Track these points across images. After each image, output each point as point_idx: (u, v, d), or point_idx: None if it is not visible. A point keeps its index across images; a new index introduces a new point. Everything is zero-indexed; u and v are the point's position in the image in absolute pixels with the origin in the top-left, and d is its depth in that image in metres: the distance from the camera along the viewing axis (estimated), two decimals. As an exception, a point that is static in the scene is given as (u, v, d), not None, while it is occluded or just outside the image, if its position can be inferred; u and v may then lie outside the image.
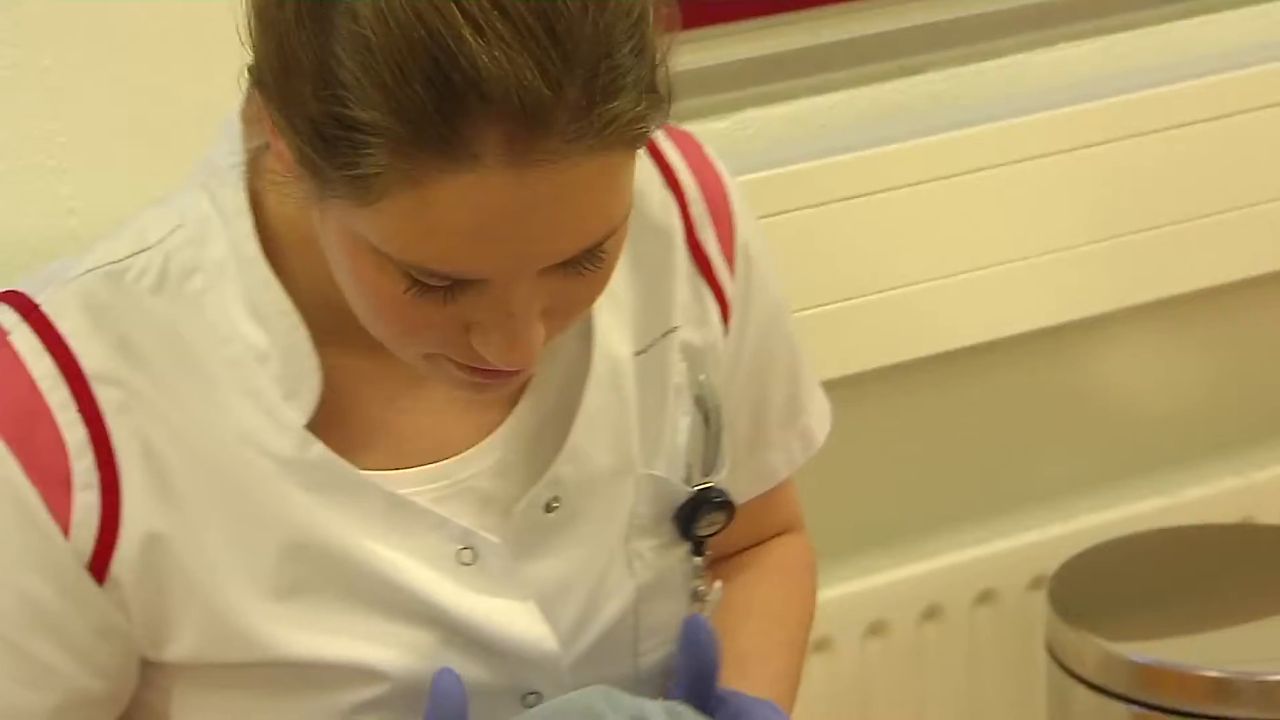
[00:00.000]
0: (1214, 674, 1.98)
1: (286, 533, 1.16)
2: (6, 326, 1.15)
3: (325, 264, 1.09)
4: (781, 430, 1.36)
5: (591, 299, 1.11)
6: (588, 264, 1.06)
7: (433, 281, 1.03)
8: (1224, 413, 2.33)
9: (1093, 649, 2.04)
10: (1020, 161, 2.10)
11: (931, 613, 2.19)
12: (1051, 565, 2.18)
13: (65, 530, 1.13)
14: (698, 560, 1.29)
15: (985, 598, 2.22)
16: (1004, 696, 2.24)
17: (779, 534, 1.42)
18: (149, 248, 1.16)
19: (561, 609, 1.23)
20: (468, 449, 1.20)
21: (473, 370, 1.09)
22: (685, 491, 1.27)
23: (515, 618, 1.20)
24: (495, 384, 1.11)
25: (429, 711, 1.11)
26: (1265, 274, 2.25)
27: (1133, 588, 2.13)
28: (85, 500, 1.13)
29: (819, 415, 1.39)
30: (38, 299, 1.15)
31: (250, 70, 1.06)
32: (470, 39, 0.96)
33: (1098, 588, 2.13)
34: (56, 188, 1.75)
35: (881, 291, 2.07)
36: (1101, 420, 2.28)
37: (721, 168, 1.30)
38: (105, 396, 1.14)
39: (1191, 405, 2.31)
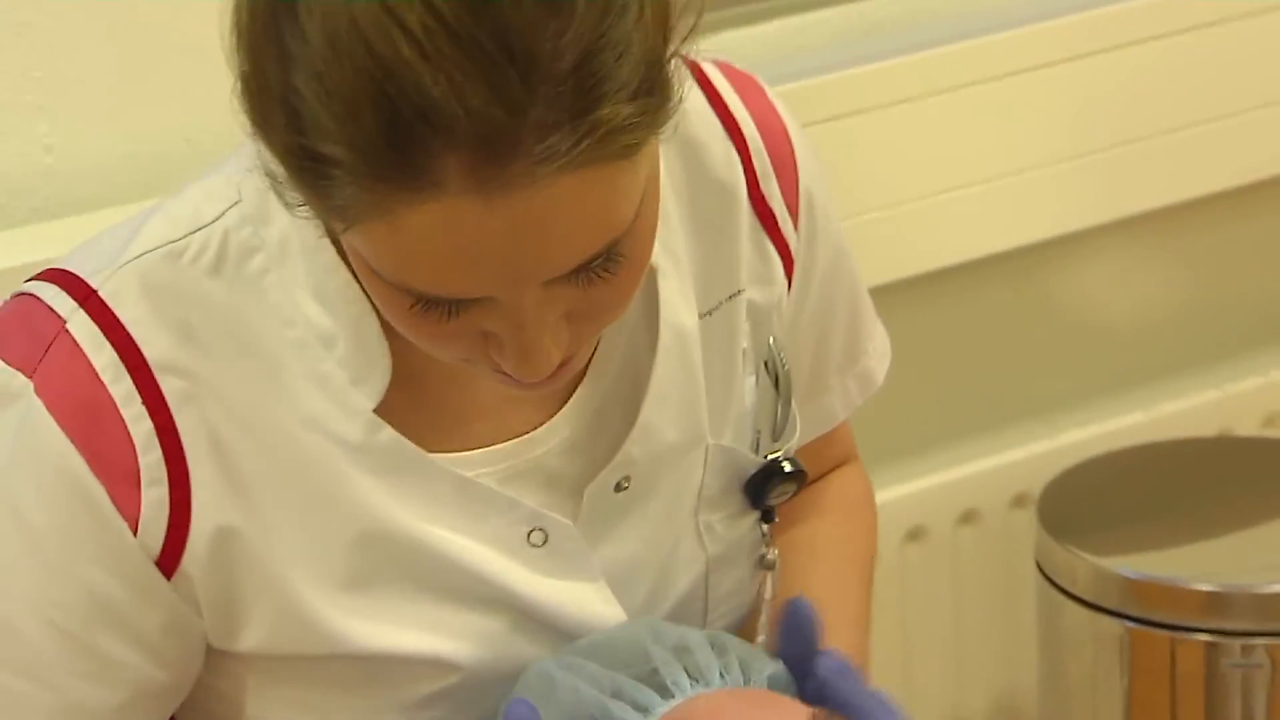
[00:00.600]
0: (1207, 587, 1.99)
1: (356, 522, 1.13)
2: (63, 314, 1.09)
3: None
4: (840, 374, 1.33)
5: (621, 301, 1.05)
6: (602, 270, 1.00)
7: (432, 299, 1.00)
8: (1200, 327, 2.34)
9: (1084, 565, 2.04)
10: (997, 78, 2.09)
11: (915, 534, 2.19)
12: (1032, 483, 2.18)
13: (133, 527, 1.09)
14: (766, 528, 1.27)
15: (968, 518, 2.22)
16: (990, 617, 2.24)
17: (835, 467, 1.40)
18: (205, 225, 1.11)
19: (632, 587, 1.21)
20: (534, 429, 1.17)
21: (507, 376, 1.05)
22: (755, 461, 1.25)
23: (587, 600, 1.19)
24: (540, 385, 1.06)
25: None
26: (1241, 186, 2.26)
27: (1119, 504, 2.14)
28: (153, 496, 1.09)
29: (878, 354, 1.36)
30: (93, 282, 1.10)
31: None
32: (415, 64, 0.90)
33: (1084, 504, 2.13)
34: (34, 125, 1.72)
35: (856, 215, 2.05)
36: (1080, 338, 2.29)
37: (784, 110, 1.26)
38: (170, 387, 1.09)
39: (1168, 320, 2.32)
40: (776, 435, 1.26)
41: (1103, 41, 2.13)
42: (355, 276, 1.08)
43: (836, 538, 1.37)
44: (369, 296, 1.07)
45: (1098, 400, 2.29)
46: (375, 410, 1.12)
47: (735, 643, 1.20)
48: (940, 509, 2.20)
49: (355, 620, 1.14)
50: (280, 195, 0.99)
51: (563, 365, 1.05)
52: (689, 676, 1.15)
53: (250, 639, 1.14)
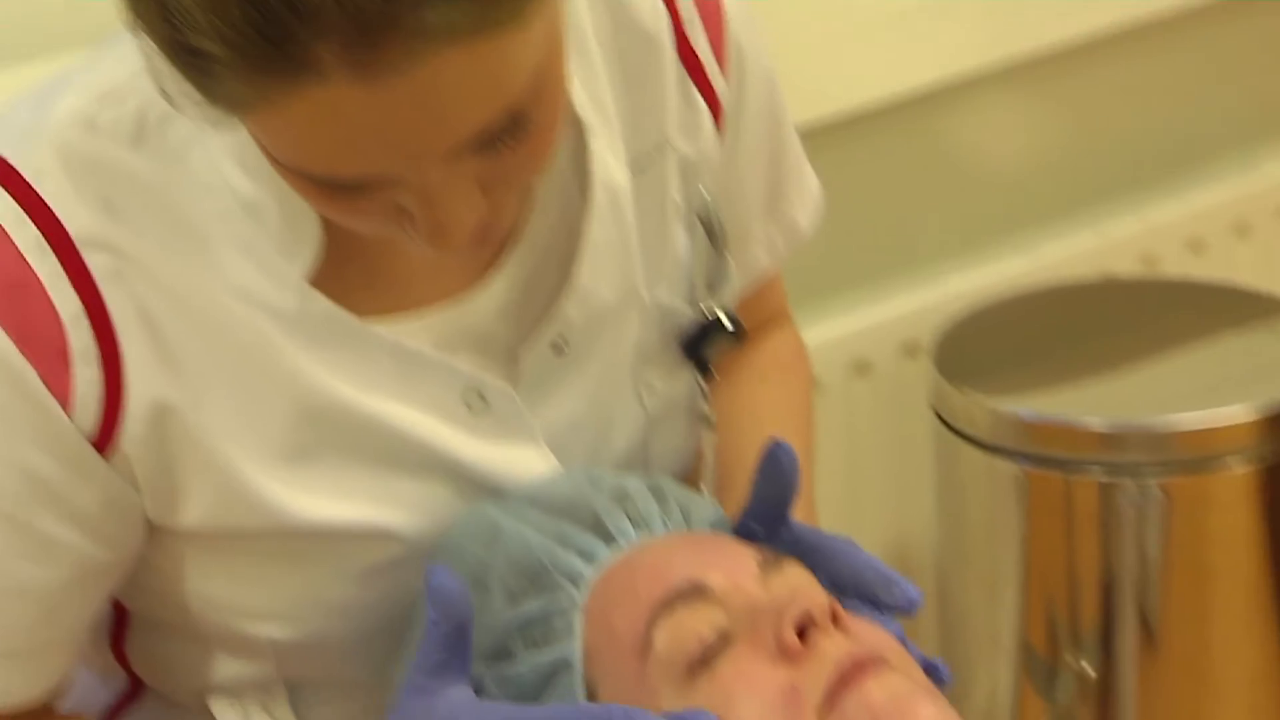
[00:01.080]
0: (1101, 425, 2.01)
1: (293, 393, 1.12)
2: None
3: None
4: (764, 223, 1.33)
5: (534, 167, 1.04)
6: (509, 140, 0.99)
7: (332, 182, 0.99)
8: (1079, 171, 2.36)
9: (980, 409, 2.06)
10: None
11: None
12: (921, 332, 2.21)
13: (66, 406, 1.08)
14: (704, 384, 1.27)
15: (860, 369, 2.23)
16: (886, 467, 2.27)
17: (768, 327, 1.40)
18: (122, 95, 1.09)
19: (572, 449, 1.21)
20: (467, 290, 1.16)
21: (430, 242, 1.04)
22: (692, 316, 1.25)
23: (528, 462, 1.19)
24: (465, 249, 1.05)
25: (432, 615, 1.07)
26: (1118, 31, 2.26)
27: (1012, 348, 2.15)
28: (85, 375, 1.08)
29: (806, 205, 1.36)
30: (12, 160, 1.08)
31: None
32: None
33: (978, 350, 2.14)
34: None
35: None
36: (962, 186, 2.30)
37: None
38: (96, 263, 1.08)
39: (1048, 166, 2.33)
40: (713, 288, 1.26)
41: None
42: None
43: (777, 402, 1.37)
44: None
45: (985, 248, 2.31)
46: (307, 279, 1.10)
47: (674, 488, 1.21)
48: (832, 361, 2.21)
49: (295, 493, 1.13)
50: (168, 98, 0.97)
51: (487, 229, 1.04)
52: (631, 523, 1.16)
53: (190, 515, 1.13)
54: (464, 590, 1.06)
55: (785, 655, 1.06)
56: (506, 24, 0.94)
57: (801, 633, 1.06)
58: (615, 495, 1.17)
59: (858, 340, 2.22)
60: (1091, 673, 2.08)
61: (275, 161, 1.00)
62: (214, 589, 1.17)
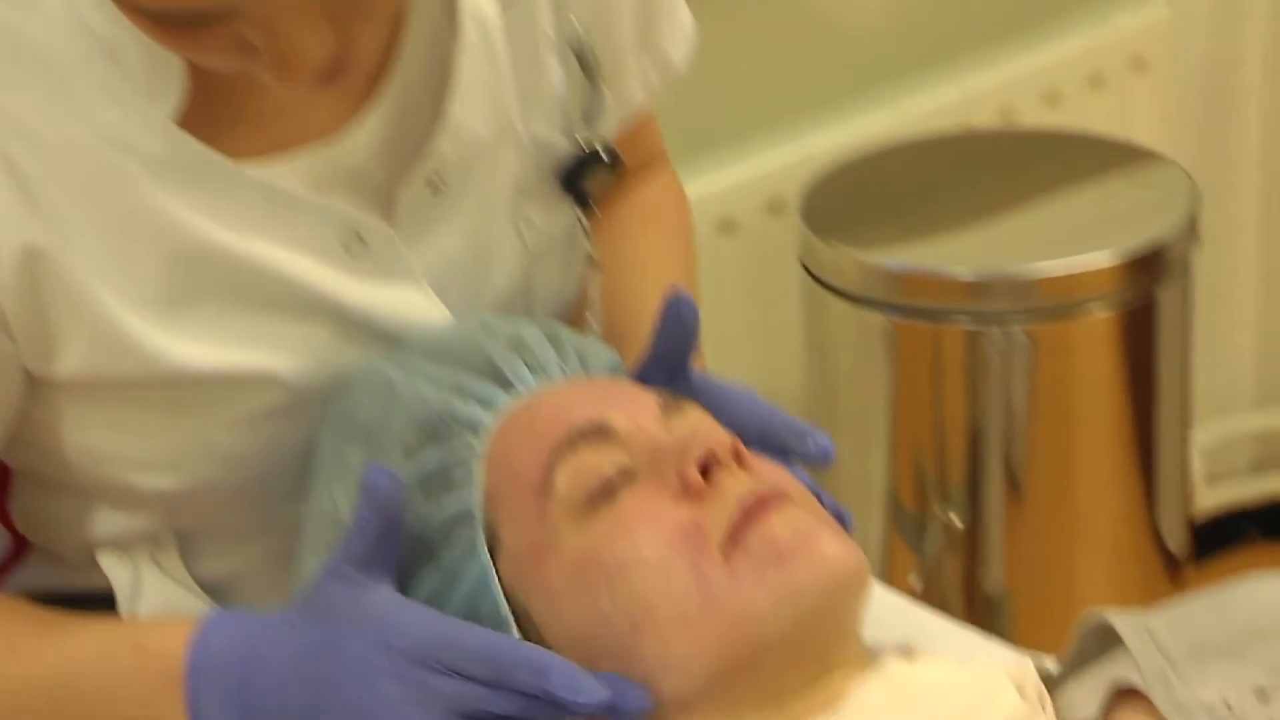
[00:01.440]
0: (967, 275, 2.04)
1: (165, 237, 1.10)
2: None
3: None
4: (636, 55, 1.32)
5: None
6: None
7: (169, 15, 0.97)
8: (938, 27, 2.36)
9: (849, 261, 2.07)
10: None
11: (675, 244, 2.20)
12: (787, 189, 2.21)
13: None
14: (584, 214, 1.27)
15: (726, 227, 2.23)
16: (755, 322, 2.27)
17: (648, 170, 1.40)
18: None
19: (454, 288, 1.20)
20: (340, 129, 1.15)
21: (276, 75, 1.02)
22: (569, 149, 1.24)
23: (409, 302, 1.18)
24: (324, 84, 1.04)
25: (364, 512, 1.07)
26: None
27: (875, 202, 2.17)
28: None
29: (677, 38, 1.35)
30: None
31: None
32: None
33: (844, 205, 2.16)
34: None
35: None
36: (823, 44, 2.29)
37: None
38: None
39: (908, 23, 2.33)
40: (589, 121, 1.26)
41: None
42: None
43: (661, 249, 1.38)
44: None
45: (843, 105, 2.31)
46: (174, 120, 1.09)
47: (569, 334, 1.21)
48: (699, 220, 2.18)
49: (173, 338, 1.12)
50: None
51: (340, 63, 1.03)
52: (529, 369, 1.16)
53: (67, 363, 1.11)
54: (397, 489, 1.07)
55: (688, 493, 1.07)
56: None
57: (704, 471, 1.07)
58: (511, 343, 1.17)
59: (723, 199, 2.22)
60: (959, 524, 2.11)
61: None
62: (95, 440, 1.16)
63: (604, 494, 1.07)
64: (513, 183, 1.22)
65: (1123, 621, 1.10)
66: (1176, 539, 2.22)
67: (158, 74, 1.08)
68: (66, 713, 1.11)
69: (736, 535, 1.06)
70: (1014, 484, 2.10)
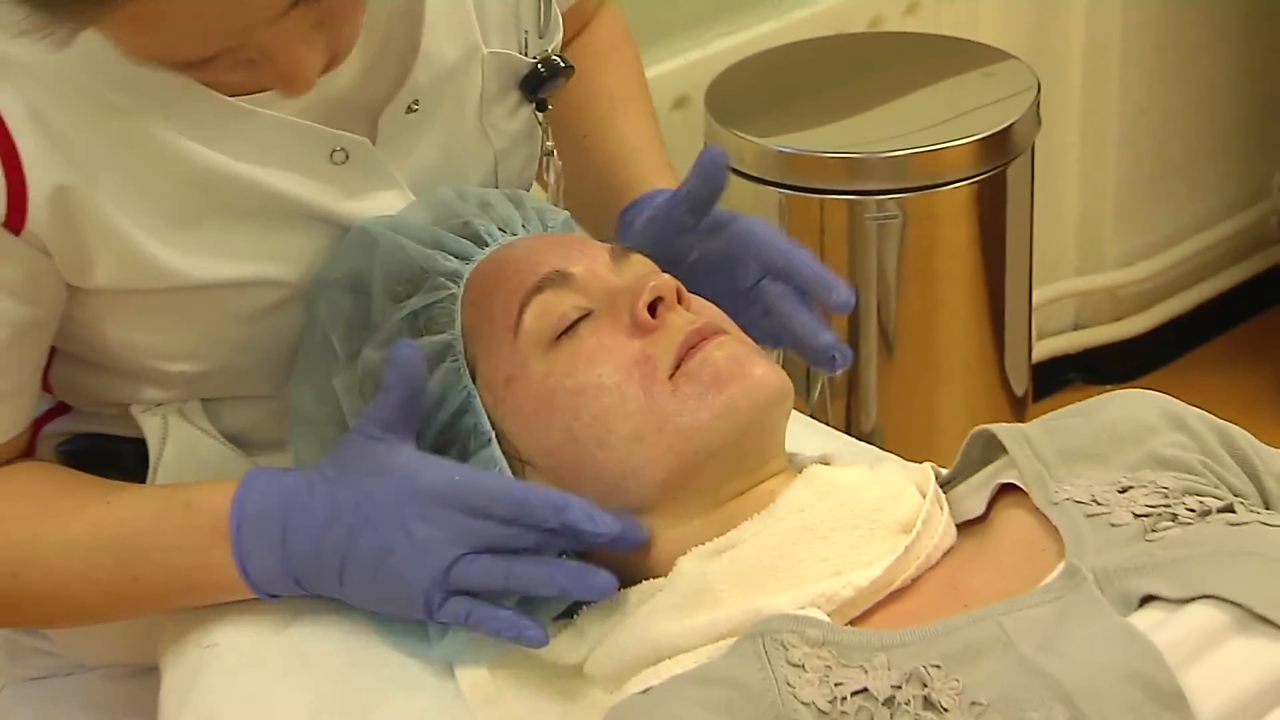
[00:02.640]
0: (847, 155, 2.04)
1: (175, 167, 1.09)
2: None
3: None
4: None
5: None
6: None
7: (183, 63, 0.97)
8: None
9: (748, 146, 2.06)
10: None
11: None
12: (692, 87, 2.18)
13: None
14: (541, 117, 1.25)
15: (639, 119, 2.21)
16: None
17: (595, 12, 1.39)
18: None
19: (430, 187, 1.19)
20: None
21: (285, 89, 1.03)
22: (527, 62, 1.23)
23: (392, 206, 1.17)
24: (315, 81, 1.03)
25: (390, 380, 1.07)
26: None
27: (768, 96, 2.15)
28: None
29: None
30: None
31: None
32: None
33: (741, 98, 2.14)
34: None
35: None
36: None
37: None
38: None
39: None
40: (542, 34, 1.25)
41: None
42: None
43: (623, 82, 1.37)
44: None
45: (737, 14, 2.29)
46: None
47: (528, 198, 1.21)
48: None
49: (187, 256, 1.11)
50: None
51: (335, 59, 1.03)
52: (497, 226, 1.15)
53: (100, 278, 1.11)
54: (420, 360, 1.07)
55: (639, 329, 1.07)
56: None
57: (652, 310, 1.08)
58: (480, 204, 1.17)
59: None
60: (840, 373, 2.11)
61: (128, 55, 0.97)
62: (130, 336, 1.15)
63: (567, 330, 1.08)
64: (478, 95, 1.21)
65: (1005, 431, 1.11)
66: (1020, 381, 2.23)
67: None
68: (129, 567, 1.11)
69: (681, 363, 1.06)
70: (886, 336, 2.10)
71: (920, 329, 2.12)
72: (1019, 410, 2.23)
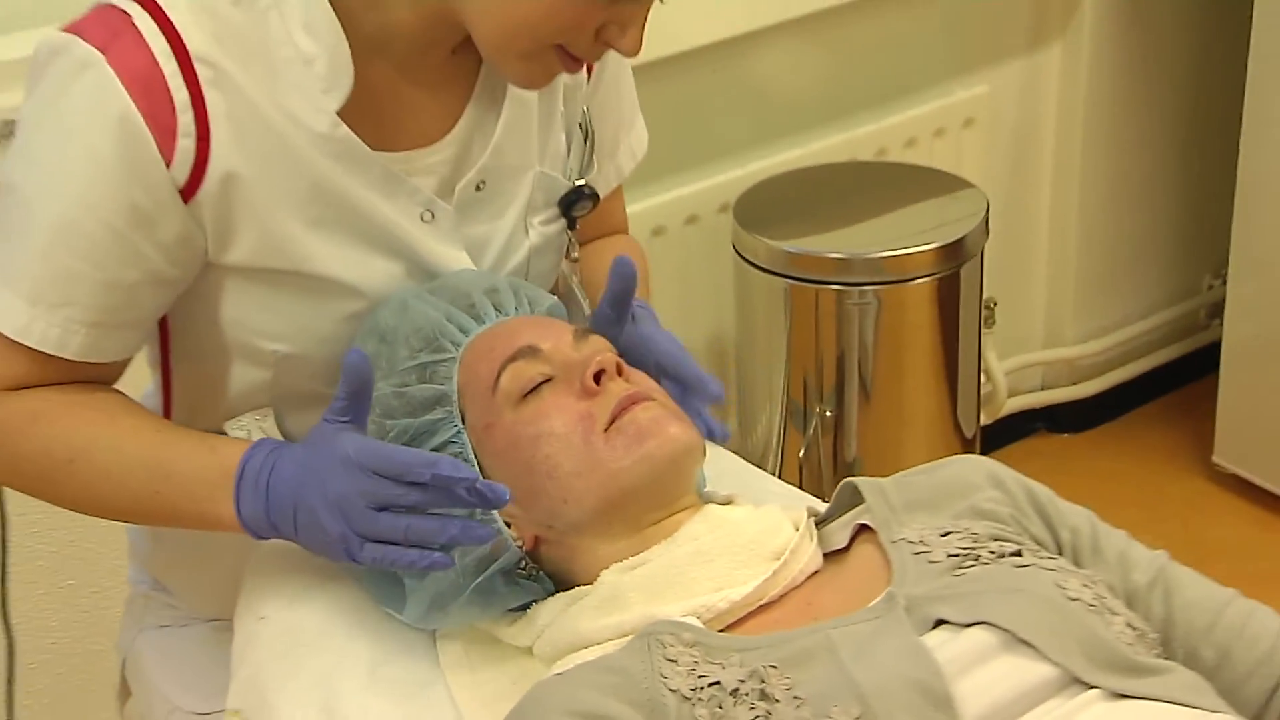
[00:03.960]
0: (837, 255, 2.02)
1: (316, 181, 1.10)
2: (130, 12, 1.06)
3: None
4: (613, 150, 1.31)
5: None
6: None
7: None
8: (836, 94, 2.31)
9: (762, 246, 2.05)
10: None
11: (657, 231, 2.18)
12: (730, 197, 2.17)
13: (169, 164, 1.06)
14: (570, 232, 1.25)
15: (691, 220, 2.20)
16: (706, 286, 2.23)
17: (617, 233, 1.38)
18: None
19: (482, 257, 1.20)
20: (435, 141, 1.16)
21: (570, 61, 1.07)
22: (566, 184, 1.23)
23: (455, 260, 1.17)
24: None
25: (342, 382, 1.05)
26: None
27: (786, 208, 2.13)
28: (184, 145, 1.06)
29: (640, 140, 1.34)
30: None
31: None
32: None
33: (764, 209, 2.12)
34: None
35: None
36: (757, 103, 2.26)
37: None
38: (203, 73, 1.06)
39: (815, 90, 2.29)
40: (583, 173, 1.25)
41: None
42: (335, 11, 1.07)
43: (627, 249, 1.34)
44: (343, 28, 1.08)
45: (772, 143, 2.27)
46: (338, 113, 1.09)
47: (527, 287, 1.20)
48: (673, 214, 2.19)
49: (310, 247, 1.12)
50: None
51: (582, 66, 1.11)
52: (495, 308, 1.15)
53: (236, 253, 1.11)
54: (366, 365, 1.05)
55: (586, 393, 1.07)
56: None
57: (598, 378, 1.07)
58: (487, 289, 1.17)
59: (690, 199, 2.19)
60: (830, 414, 2.09)
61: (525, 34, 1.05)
62: (240, 311, 1.15)
63: (532, 392, 1.07)
64: (526, 199, 1.21)
65: (865, 484, 1.09)
66: (970, 425, 2.19)
67: (334, 81, 1.09)
68: (155, 485, 1.10)
69: (614, 420, 1.06)
70: (865, 389, 2.07)
71: (891, 385, 2.09)
72: (968, 447, 2.19)
